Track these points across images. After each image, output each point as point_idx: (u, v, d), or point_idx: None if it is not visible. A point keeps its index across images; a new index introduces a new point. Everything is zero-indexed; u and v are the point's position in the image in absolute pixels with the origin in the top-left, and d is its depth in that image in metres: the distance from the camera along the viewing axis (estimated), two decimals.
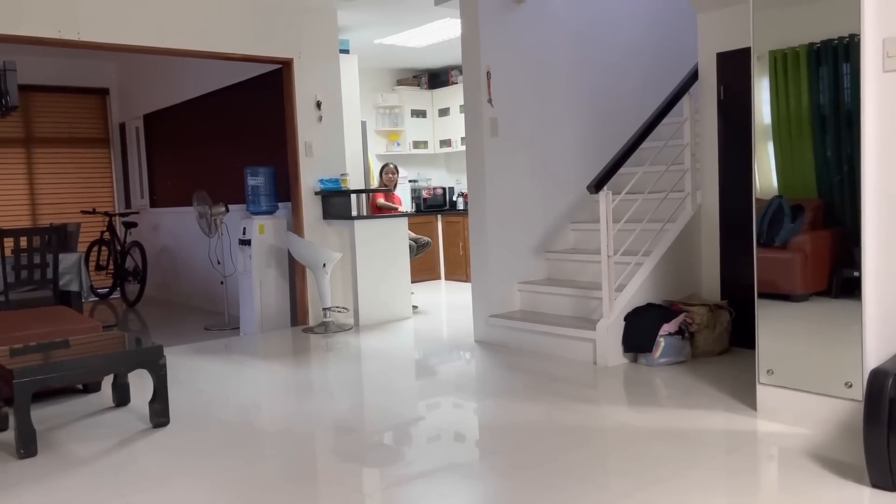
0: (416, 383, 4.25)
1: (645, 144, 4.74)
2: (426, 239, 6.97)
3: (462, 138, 8.68)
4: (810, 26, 3.06)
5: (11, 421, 3.55)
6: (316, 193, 6.15)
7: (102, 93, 8.98)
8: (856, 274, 2.96)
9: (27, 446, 3.16)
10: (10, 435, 3.47)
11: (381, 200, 7.14)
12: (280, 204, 6.26)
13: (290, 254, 6.14)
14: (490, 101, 5.05)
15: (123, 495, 2.72)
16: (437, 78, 9.44)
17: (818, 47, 3.05)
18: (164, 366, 3.53)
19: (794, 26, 3.12)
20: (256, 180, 6.08)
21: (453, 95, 9.04)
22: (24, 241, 5.51)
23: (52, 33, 4.93)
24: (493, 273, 5.14)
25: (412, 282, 6.57)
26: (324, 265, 5.81)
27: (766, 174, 3.27)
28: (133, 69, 8.63)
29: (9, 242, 5.61)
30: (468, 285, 7.85)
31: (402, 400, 3.88)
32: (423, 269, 8.66)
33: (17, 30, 4.82)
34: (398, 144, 9.29)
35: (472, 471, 2.84)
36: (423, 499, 2.59)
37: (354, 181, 6.99)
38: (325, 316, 5.92)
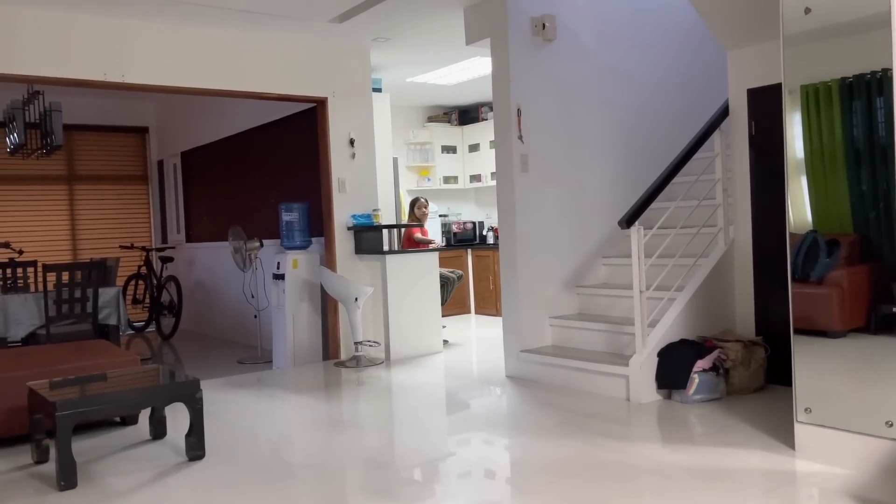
0: (447, 419, 4.24)
1: (676, 179, 4.74)
2: (459, 272, 6.99)
3: (492, 173, 8.75)
4: (842, 61, 3.07)
5: (52, 453, 3.62)
6: (349, 228, 6.23)
7: (142, 131, 9.25)
8: (895, 310, 2.91)
9: (68, 478, 3.22)
10: (50, 467, 3.53)
11: (418, 235, 7.20)
12: (313, 239, 6.35)
13: (322, 288, 6.21)
14: (521, 137, 5.10)
15: None
16: (467, 114, 9.56)
17: (850, 82, 3.05)
18: (201, 399, 3.58)
19: (825, 61, 3.12)
20: (290, 216, 6.18)
21: (483, 131, 9.14)
22: (65, 276, 5.66)
23: (99, 76, 5.13)
24: (524, 307, 5.14)
25: (442, 316, 6.58)
26: (356, 299, 5.87)
27: (799, 209, 3.26)
28: (171, 108, 8.89)
29: (51, 277, 5.76)
30: (499, 319, 7.83)
31: (433, 435, 3.88)
32: (453, 303, 8.67)
33: (66, 73, 5.02)
34: (429, 180, 9.38)
35: None
36: None
37: (386, 216, 7.08)
38: (356, 350, 5.95)
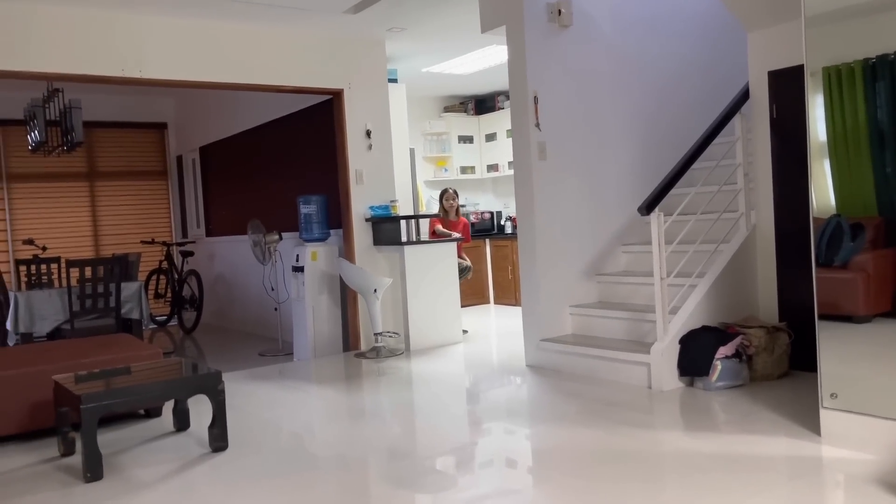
0: (468, 408, 4.24)
1: (696, 164, 4.69)
2: (466, 263, 6.96)
3: (509, 162, 8.71)
4: (865, 42, 3.01)
5: (78, 446, 3.67)
6: (366, 220, 6.24)
7: (161, 127, 9.31)
8: None
9: (93, 470, 3.26)
10: (76, 459, 3.58)
11: (438, 227, 7.19)
12: (332, 231, 6.37)
13: (342, 280, 6.23)
14: (538, 125, 5.07)
15: None
16: (483, 104, 9.51)
17: (873, 62, 2.99)
18: (223, 391, 3.61)
19: (847, 42, 3.06)
20: (309, 208, 6.20)
21: (500, 120, 9.09)
22: (88, 272, 5.73)
23: (116, 72, 5.17)
24: (543, 296, 5.12)
25: (462, 306, 6.58)
26: (375, 291, 5.88)
27: (823, 193, 3.20)
28: (190, 104, 8.94)
29: (74, 273, 5.83)
30: (518, 309, 7.82)
31: (454, 425, 3.88)
32: (472, 293, 8.67)
33: (84, 69, 5.06)
34: (445, 170, 9.36)
35: (526, 498, 2.82)
36: None
37: (404, 207, 7.08)
38: (376, 341, 5.97)
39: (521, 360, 5.35)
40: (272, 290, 7.08)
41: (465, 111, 9.60)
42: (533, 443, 3.52)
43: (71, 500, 3.05)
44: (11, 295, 5.64)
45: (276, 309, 7.00)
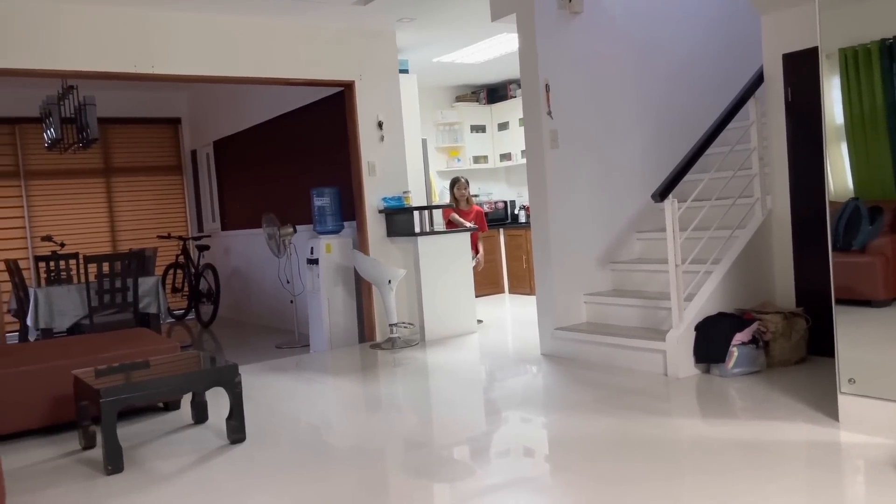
0: (484, 397, 4.25)
1: (710, 150, 4.65)
2: (477, 258, 6.94)
3: (522, 151, 8.68)
4: (881, 22, 2.96)
5: (98, 439, 3.71)
6: (380, 211, 6.25)
7: (175, 122, 9.36)
8: None
9: (114, 463, 3.30)
10: (97, 452, 3.63)
11: (453, 216, 7.17)
12: (345, 223, 6.38)
13: (356, 272, 6.25)
14: (550, 113, 5.04)
15: None
16: (495, 93, 9.48)
17: (890, 43, 2.94)
18: (240, 384, 3.64)
19: (863, 23, 3.02)
20: (322, 200, 6.22)
21: (512, 109, 9.06)
22: (106, 267, 5.78)
23: (129, 68, 5.19)
24: (557, 285, 5.11)
25: (476, 296, 6.58)
26: (389, 282, 5.89)
27: (840, 176, 3.17)
28: (203, 98, 8.97)
29: (92, 268, 5.89)
30: (533, 298, 7.82)
31: (471, 414, 3.89)
32: (486, 282, 8.67)
33: (97, 66, 5.09)
34: (458, 160, 9.35)
35: (544, 485, 2.82)
36: None
37: (416, 198, 7.08)
38: (391, 332, 5.99)
39: (536, 349, 5.35)
40: (287, 282, 7.11)
41: (478, 101, 9.57)
42: (549, 431, 3.52)
43: (93, 493, 3.09)
44: (31, 291, 5.72)
45: (291, 301, 7.03)
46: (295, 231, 6.71)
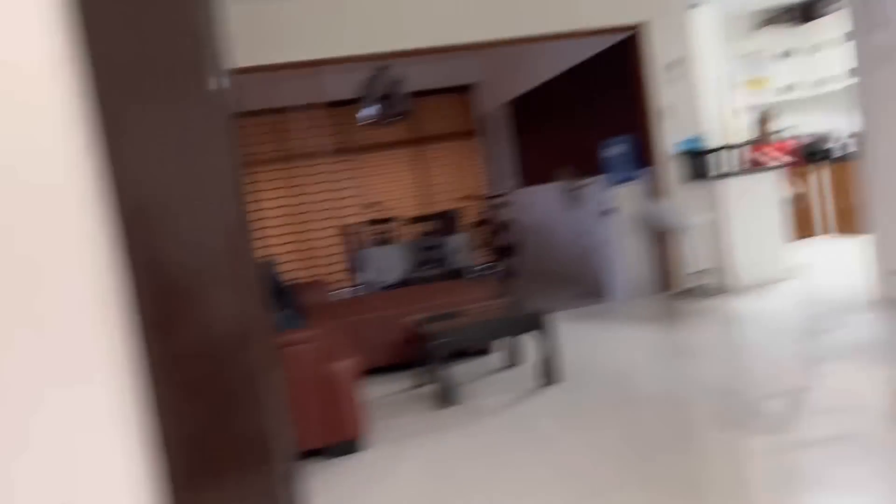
0: (803, 347, 3.96)
1: None
2: (796, 191, 6.31)
3: (842, 74, 7.67)
4: None
5: (427, 378, 4.20)
6: (675, 156, 6.03)
7: (467, 89, 9.94)
8: None
9: (448, 397, 3.75)
10: (426, 390, 4.10)
11: (762, 152, 6.64)
12: (639, 171, 6.28)
13: (651, 220, 6.13)
14: (885, 22, 4.39)
15: (532, 441, 3.07)
16: (807, 11, 8.44)
17: None
18: (552, 328, 3.86)
19: None
20: (614, 150, 6.19)
21: (827, 28, 8.02)
22: (421, 228, 6.45)
23: (430, 43, 5.64)
24: (894, 223, 4.50)
25: (790, 240, 6.07)
26: (688, 229, 5.70)
27: None
28: (493, 63, 9.38)
29: (409, 230, 6.61)
30: (857, 241, 6.96)
31: (788, 365, 3.67)
32: (801, 224, 7.91)
33: (404, 44, 5.61)
34: (765, 92, 8.57)
35: (875, 442, 2.58)
36: (817, 469, 2.45)
37: (716, 137, 6.68)
38: (693, 281, 5.80)
39: (865, 295, 4.80)
40: (584, 234, 7.23)
41: (787, 22, 8.61)
42: (883, 385, 3.18)
43: (433, 422, 3.54)
44: (363, 252, 6.59)
45: (588, 252, 7.15)
46: (589, 183, 6.78)
